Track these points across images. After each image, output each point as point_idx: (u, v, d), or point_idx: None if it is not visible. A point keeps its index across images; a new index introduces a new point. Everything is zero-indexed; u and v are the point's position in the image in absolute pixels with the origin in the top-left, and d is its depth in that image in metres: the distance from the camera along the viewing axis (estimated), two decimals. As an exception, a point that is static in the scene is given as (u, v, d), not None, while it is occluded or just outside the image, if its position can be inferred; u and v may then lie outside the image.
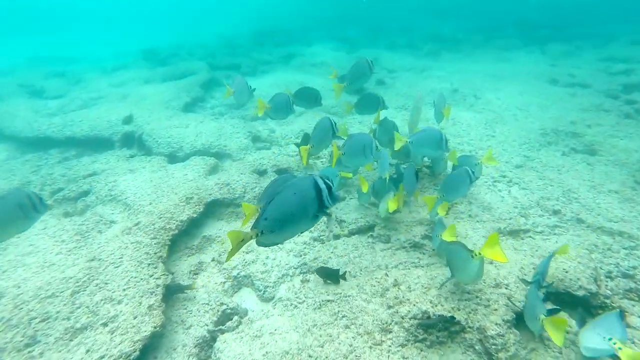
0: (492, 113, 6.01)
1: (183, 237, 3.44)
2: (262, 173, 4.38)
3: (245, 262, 3.14)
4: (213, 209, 3.80)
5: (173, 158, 4.87)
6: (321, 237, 3.36)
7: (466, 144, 5.00)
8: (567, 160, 4.57)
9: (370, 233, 3.39)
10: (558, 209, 3.62)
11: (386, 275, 2.73)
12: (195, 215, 3.46)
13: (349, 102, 4.07)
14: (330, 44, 12.16)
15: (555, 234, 3.39)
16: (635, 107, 5.75)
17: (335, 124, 3.42)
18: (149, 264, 2.84)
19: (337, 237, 3.43)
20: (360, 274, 2.88)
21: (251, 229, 1.68)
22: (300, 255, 3.19)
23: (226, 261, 2.20)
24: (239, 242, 1.65)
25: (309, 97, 4.01)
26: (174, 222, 3.31)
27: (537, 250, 3.15)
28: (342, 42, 12.72)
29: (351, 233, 3.45)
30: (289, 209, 1.68)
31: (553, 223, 3.48)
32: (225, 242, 3.41)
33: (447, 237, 2.48)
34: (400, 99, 6.83)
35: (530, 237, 3.35)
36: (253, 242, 1.69)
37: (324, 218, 3.45)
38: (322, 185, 1.76)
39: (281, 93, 3.82)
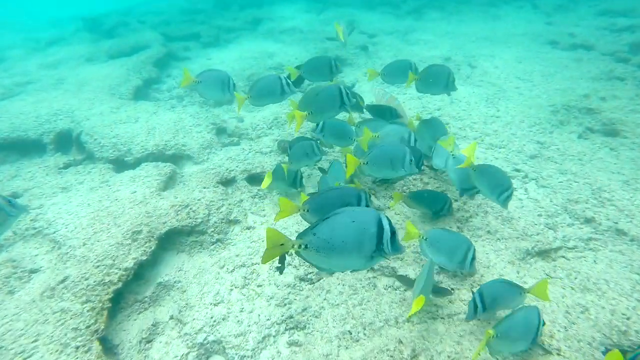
0: (492, 86, 5.27)
1: (132, 284, 2.66)
2: (229, 183, 3.57)
3: (214, 321, 2.42)
4: (171, 237, 3.01)
5: (120, 165, 3.97)
6: (309, 276, 2.66)
7: (469, 129, 4.29)
8: (586, 145, 3.95)
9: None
10: (591, 215, 3.01)
11: (400, 342, 2.07)
12: (145, 258, 2.66)
13: (374, 69, 3.25)
14: (301, 3, 10.89)
15: (591, 249, 2.81)
16: (649, 73, 5.13)
17: (348, 93, 2.69)
18: (78, 348, 2.08)
19: (330, 272, 2.74)
20: (365, 336, 2.22)
21: (296, 238, 1.56)
22: (285, 304, 2.49)
23: (262, 263, 1.95)
24: (278, 245, 1.53)
25: (324, 67, 3.08)
26: (116, 271, 2.52)
27: (576, 278, 2.56)
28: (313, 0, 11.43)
29: (346, 265, 2.76)
30: (342, 236, 1.52)
31: (587, 235, 2.89)
32: (187, 290, 2.66)
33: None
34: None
35: (563, 257, 2.75)
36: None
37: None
38: (387, 226, 1.56)
39: (268, 75, 2.96)
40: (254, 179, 3.64)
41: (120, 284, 2.45)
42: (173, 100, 5.54)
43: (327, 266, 1.59)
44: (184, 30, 8.73)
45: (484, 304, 1.99)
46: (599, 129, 4.20)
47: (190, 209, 3.10)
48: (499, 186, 2.46)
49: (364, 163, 2.50)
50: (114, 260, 2.55)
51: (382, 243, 1.55)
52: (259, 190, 3.48)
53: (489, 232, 2.91)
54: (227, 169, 3.66)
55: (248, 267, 2.79)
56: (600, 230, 2.92)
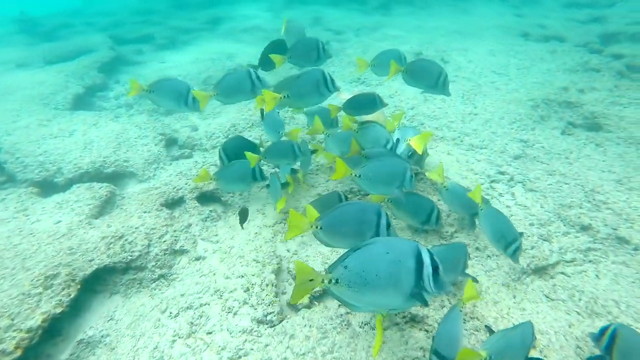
0: (468, 81, 4.96)
1: (41, 346, 2.10)
2: (176, 204, 3.05)
3: (148, 388, 1.91)
4: (101, 277, 2.47)
5: (48, 187, 3.37)
6: (270, 317, 2.18)
7: (446, 129, 3.93)
8: (571, 141, 3.66)
9: (343, 299, 2.26)
10: (587, 222, 2.69)
11: (382, 409, 1.64)
12: (60, 310, 2.11)
13: (364, 58, 2.83)
14: (263, 2, 10.39)
15: (591, 261, 2.47)
16: (624, 63, 4.94)
17: (333, 81, 2.40)
18: None
19: (294, 307, 2.28)
20: (338, 399, 1.77)
21: (327, 271, 1.39)
22: (239, 357, 2.01)
23: (292, 303, 1.81)
24: (308, 281, 1.37)
25: (311, 51, 2.66)
26: (15, 335, 1.95)
27: (580, 300, 2.21)
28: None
29: (315, 299, 2.31)
30: (375, 269, 1.31)
31: (585, 245, 2.56)
32: (116, 346, 2.13)
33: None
34: (355, 70, 5.57)
35: (561, 273, 2.40)
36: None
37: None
38: (427, 260, 1.33)
39: (236, 70, 2.65)
40: (206, 197, 3.13)
41: (19, 353, 1.90)
42: (121, 109, 4.95)
43: (360, 304, 1.41)
44: (136, 32, 8.07)
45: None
46: (582, 124, 3.94)
47: (126, 240, 2.57)
48: (506, 237, 2.09)
49: (356, 175, 2.18)
50: (12, 320, 1.99)
51: (422, 279, 1.32)
52: (211, 211, 2.98)
53: (477, 248, 2.53)
54: (174, 188, 3.13)
55: (196, 309, 2.28)
56: (599, 238, 2.59)
